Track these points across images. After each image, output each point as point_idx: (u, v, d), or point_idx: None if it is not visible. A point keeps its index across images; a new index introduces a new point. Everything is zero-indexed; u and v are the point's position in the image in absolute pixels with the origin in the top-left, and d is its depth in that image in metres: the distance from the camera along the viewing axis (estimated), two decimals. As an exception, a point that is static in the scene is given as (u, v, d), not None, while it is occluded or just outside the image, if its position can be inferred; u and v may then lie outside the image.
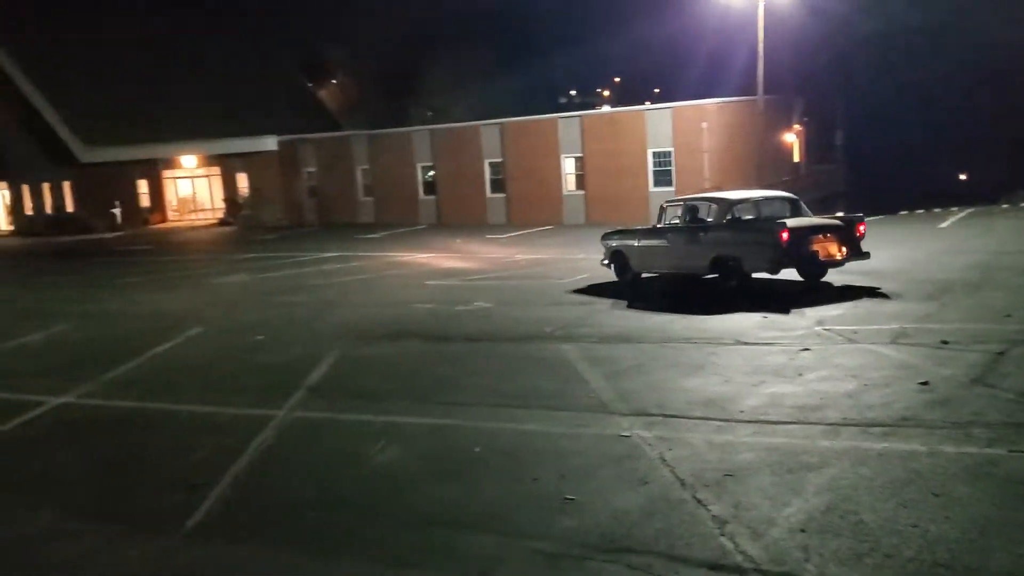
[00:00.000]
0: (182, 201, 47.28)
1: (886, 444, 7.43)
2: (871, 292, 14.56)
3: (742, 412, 8.70)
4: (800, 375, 9.89)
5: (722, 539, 5.95)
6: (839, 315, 13.11)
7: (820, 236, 14.68)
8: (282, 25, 57.94)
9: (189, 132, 43.97)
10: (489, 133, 36.68)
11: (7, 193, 49.05)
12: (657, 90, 73.76)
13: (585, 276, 19.01)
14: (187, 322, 16.47)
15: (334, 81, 63.46)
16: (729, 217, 15.41)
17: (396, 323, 15.01)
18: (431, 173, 37.74)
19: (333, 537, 6.67)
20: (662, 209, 17.36)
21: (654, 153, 32.86)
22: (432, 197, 38.22)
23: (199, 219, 45.66)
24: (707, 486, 6.88)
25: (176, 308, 18.54)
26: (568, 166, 34.71)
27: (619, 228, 18.69)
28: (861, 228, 15.10)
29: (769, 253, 14.34)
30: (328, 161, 41.48)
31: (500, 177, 36.20)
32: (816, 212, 16.85)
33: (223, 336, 15.11)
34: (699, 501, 6.61)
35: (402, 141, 39.53)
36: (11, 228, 48.56)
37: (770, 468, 7.15)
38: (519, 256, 23.38)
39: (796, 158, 41.33)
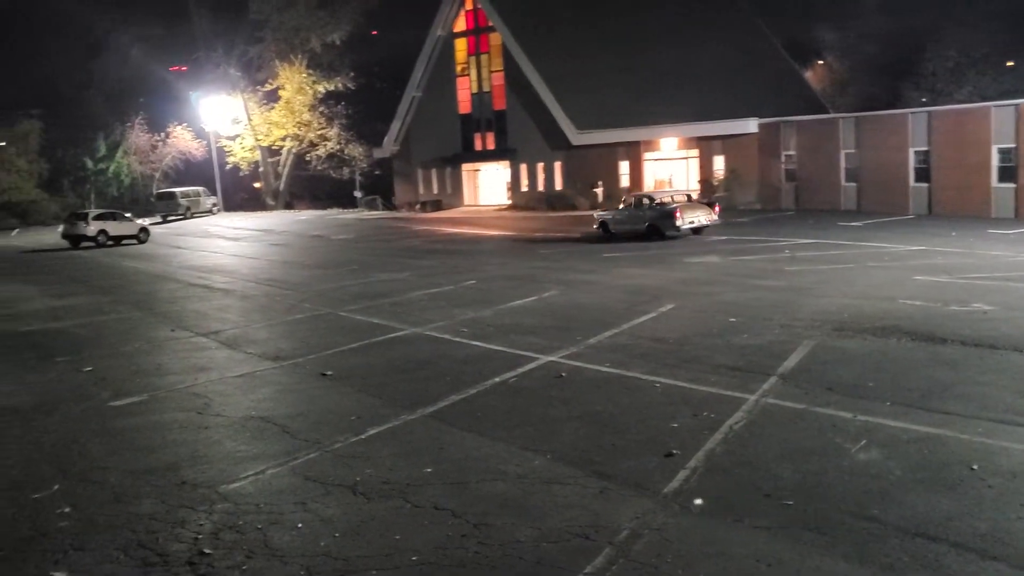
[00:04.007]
0: (658, 182, 49.14)
1: None
2: None
3: None
4: None
5: None
6: None
7: (696, 211, 28.42)
8: (771, 6, 57.17)
9: (672, 115, 45.46)
10: (1001, 115, 32.41)
11: (508, 172, 55.17)
12: None
13: (1118, 283, 15.99)
14: (661, 298, 17.08)
15: (821, 62, 61.09)
16: (655, 204, 29.01)
17: (879, 317, 13.99)
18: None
19: (811, 527, 6.43)
20: (624, 199, 31.17)
21: None
22: (924, 185, 34.99)
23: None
24: None
25: (650, 284, 19.31)
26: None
27: (605, 210, 33.94)
28: (716, 208, 29.29)
29: (672, 222, 27.58)
30: (810, 144, 40.00)
31: (1011, 165, 31.87)
32: None
33: (696, 315, 15.39)
34: None
35: (894, 124, 36.64)
36: (510, 202, 54.58)
37: None
38: (1028, 255, 20.42)
39: None
